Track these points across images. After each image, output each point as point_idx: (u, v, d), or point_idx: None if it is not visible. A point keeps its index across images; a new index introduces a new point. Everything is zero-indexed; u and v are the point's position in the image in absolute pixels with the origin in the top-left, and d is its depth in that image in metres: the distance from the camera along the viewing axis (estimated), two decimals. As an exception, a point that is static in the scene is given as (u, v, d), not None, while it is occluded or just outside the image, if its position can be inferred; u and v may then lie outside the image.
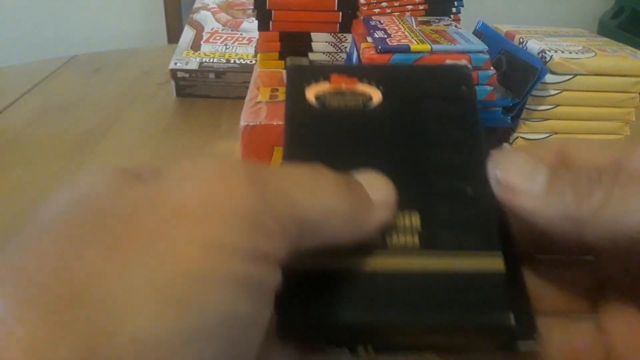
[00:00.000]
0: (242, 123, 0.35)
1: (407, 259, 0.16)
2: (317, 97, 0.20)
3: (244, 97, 0.40)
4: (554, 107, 0.46)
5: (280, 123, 0.35)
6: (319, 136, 0.19)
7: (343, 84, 0.21)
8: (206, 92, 0.60)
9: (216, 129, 0.53)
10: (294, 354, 0.17)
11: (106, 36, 1.51)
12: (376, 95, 0.20)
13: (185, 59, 0.60)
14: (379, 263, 0.16)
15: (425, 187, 0.18)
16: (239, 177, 0.13)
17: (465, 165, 0.18)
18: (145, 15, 1.59)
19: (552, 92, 0.45)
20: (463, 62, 0.21)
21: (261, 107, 0.37)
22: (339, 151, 0.19)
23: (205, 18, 0.70)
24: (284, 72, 0.45)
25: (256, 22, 0.46)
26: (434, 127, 0.19)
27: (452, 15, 0.47)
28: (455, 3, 0.47)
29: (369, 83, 0.21)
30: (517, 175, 0.17)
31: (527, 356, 0.17)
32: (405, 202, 0.17)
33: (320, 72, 0.21)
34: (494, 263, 0.16)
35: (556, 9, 1.68)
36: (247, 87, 0.43)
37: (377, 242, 0.17)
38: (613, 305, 0.19)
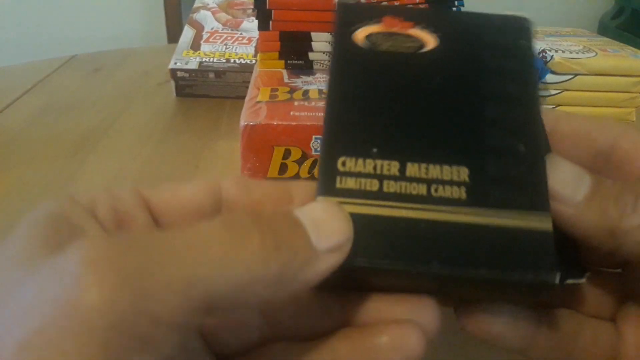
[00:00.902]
0: (242, 123, 0.35)
1: (452, 211, 0.16)
2: (367, 38, 0.19)
3: (243, 97, 0.39)
4: (554, 107, 0.45)
5: (280, 123, 0.34)
6: (367, 80, 0.18)
7: (396, 26, 0.20)
8: (206, 91, 0.60)
9: (216, 128, 0.53)
10: (333, 301, 0.17)
11: (106, 36, 1.51)
12: (431, 41, 0.19)
13: (185, 59, 0.60)
14: (422, 213, 0.16)
15: (476, 141, 0.17)
16: (108, 279, 0.11)
17: (519, 121, 0.18)
18: (145, 14, 1.59)
19: (553, 92, 0.45)
20: (523, 14, 0.20)
21: (261, 107, 0.37)
22: (387, 97, 0.18)
23: (205, 17, 0.70)
24: (284, 71, 0.45)
25: (256, 21, 0.46)
26: (489, 80, 0.19)
27: (452, 15, 0.47)
28: (456, 2, 0.47)
29: (425, 28, 0.20)
30: (560, 183, 0.16)
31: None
32: (454, 155, 0.17)
33: (372, 12, 0.20)
34: (542, 222, 0.16)
35: (556, 8, 1.68)
36: (247, 87, 0.43)
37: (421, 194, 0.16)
38: (632, 316, 0.19)
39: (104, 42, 1.27)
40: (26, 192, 0.41)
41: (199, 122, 0.54)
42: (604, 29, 1.51)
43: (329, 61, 0.20)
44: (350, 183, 0.17)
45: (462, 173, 0.17)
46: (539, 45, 0.46)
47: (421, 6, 0.46)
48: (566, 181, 0.16)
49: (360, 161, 0.17)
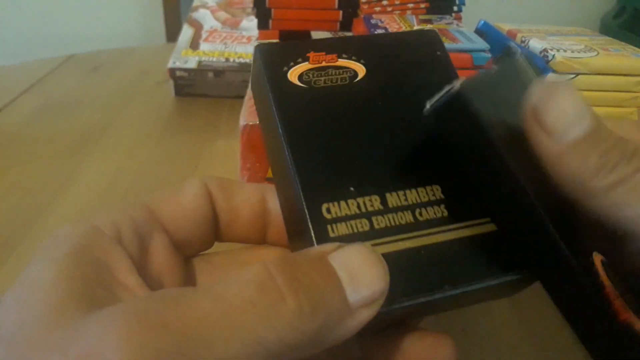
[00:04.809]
0: (242, 122, 0.34)
1: (442, 230, 0.17)
2: (301, 77, 0.19)
3: (243, 96, 0.39)
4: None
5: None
6: (317, 120, 0.18)
7: (323, 61, 0.20)
8: (205, 91, 0.59)
9: (215, 128, 0.53)
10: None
11: (104, 35, 1.51)
12: (360, 69, 0.20)
13: (184, 58, 0.59)
14: (417, 240, 0.16)
15: (434, 157, 0.18)
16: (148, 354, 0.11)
17: None
18: (144, 13, 1.58)
19: (554, 91, 0.44)
20: (428, 27, 0.22)
21: (261, 107, 0.36)
22: (341, 133, 0.18)
23: (204, 16, 0.69)
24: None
25: (255, 20, 0.45)
26: (422, 97, 0.19)
27: (453, 14, 0.47)
28: (457, 1, 0.47)
29: (349, 57, 0.20)
30: (557, 115, 0.15)
31: None
32: (422, 175, 0.18)
33: (294, 50, 0.20)
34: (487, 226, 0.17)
35: (558, 8, 1.68)
36: (247, 86, 0.43)
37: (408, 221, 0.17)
38: None
39: (102, 41, 1.27)
40: (24, 192, 0.41)
41: (198, 121, 0.54)
42: (605, 29, 1.50)
43: (262, 104, 0.20)
44: (342, 229, 0.16)
45: (437, 191, 0.17)
46: (540, 44, 0.46)
47: (422, 6, 0.46)
48: (566, 116, 0.15)
49: (343, 204, 0.17)
